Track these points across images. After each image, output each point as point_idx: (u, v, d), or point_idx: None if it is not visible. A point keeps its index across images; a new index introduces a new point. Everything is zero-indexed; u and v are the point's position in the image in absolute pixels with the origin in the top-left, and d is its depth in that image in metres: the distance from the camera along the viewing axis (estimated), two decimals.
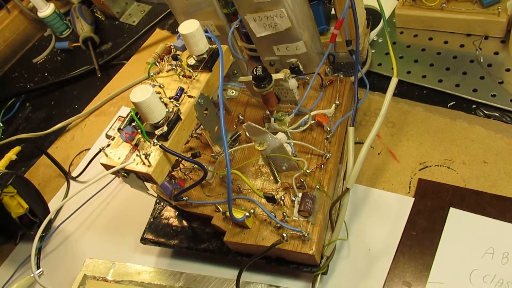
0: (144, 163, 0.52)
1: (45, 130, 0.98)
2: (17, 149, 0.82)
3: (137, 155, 0.53)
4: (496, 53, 0.71)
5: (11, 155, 0.81)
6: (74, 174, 0.88)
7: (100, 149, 0.56)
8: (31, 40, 1.23)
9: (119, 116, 0.93)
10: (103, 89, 1.01)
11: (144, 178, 0.54)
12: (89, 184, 0.57)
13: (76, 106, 1.01)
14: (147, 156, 0.52)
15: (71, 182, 0.87)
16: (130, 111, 0.56)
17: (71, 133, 0.96)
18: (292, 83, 0.62)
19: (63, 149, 0.94)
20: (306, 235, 0.54)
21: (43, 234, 0.79)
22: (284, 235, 0.55)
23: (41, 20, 1.16)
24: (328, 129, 0.62)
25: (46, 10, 1.14)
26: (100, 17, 1.18)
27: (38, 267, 0.77)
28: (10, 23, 1.18)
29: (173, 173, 0.65)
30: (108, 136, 0.91)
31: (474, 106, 0.68)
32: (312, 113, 0.63)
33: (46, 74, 1.13)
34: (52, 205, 0.83)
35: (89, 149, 0.91)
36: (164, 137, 0.53)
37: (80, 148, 0.92)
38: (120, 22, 1.15)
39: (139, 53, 1.05)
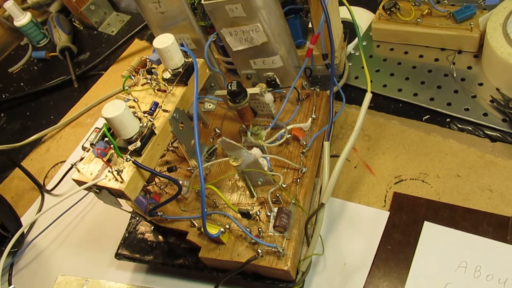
0: (116, 179, 0.52)
1: (19, 141, 0.96)
2: None
3: (109, 171, 0.52)
4: (469, 68, 0.72)
5: None
6: (49, 187, 0.86)
7: (72, 164, 0.55)
8: (7, 49, 1.20)
9: (96, 128, 0.90)
10: (80, 100, 1.00)
11: (116, 194, 0.53)
12: (62, 199, 0.57)
13: (52, 117, 1.00)
14: (119, 172, 0.51)
15: (46, 195, 0.85)
16: (103, 126, 0.55)
17: (47, 145, 0.95)
18: (268, 97, 0.62)
19: (38, 161, 0.92)
20: (281, 250, 0.54)
21: (15, 249, 0.77)
22: (259, 251, 0.54)
23: (17, 29, 1.14)
24: (304, 143, 0.62)
25: (22, 19, 1.12)
26: (78, 26, 1.17)
27: (9, 284, 0.75)
28: None
29: (148, 187, 0.64)
30: (84, 148, 0.89)
31: (448, 119, 0.69)
32: (288, 127, 0.63)
33: (22, 84, 1.11)
34: (25, 220, 0.81)
35: (64, 161, 0.89)
36: (137, 152, 0.53)
37: (55, 160, 0.91)
38: (98, 32, 1.14)
39: (118, 63, 1.04)
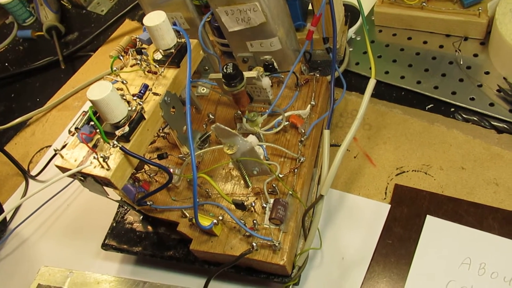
0: (102, 166, 0.48)
1: (3, 124, 0.91)
2: None
3: (94, 157, 0.48)
4: (476, 55, 0.69)
5: None
6: (33, 172, 0.82)
7: (54, 150, 0.51)
8: None
9: (84, 111, 0.87)
10: (67, 81, 0.95)
11: (103, 182, 0.50)
12: (46, 185, 0.53)
13: (38, 100, 0.95)
14: (105, 159, 0.48)
15: (30, 181, 0.82)
16: (89, 109, 0.51)
17: (32, 129, 0.90)
18: (266, 81, 0.59)
19: (23, 145, 0.88)
20: (277, 244, 0.51)
21: None
22: (254, 244, 0.51)
23: (2, 7, 1.09)
24: (303, 131, 0.59)
25: None
26: (66, 5, 1.12)
27: None
28: None
29: (137, 175, 0.60)
30: (70, 132, 0.85)
31: (452, 109, 0.66)
32: (286, 114, 0.60)
33: (6, 64, 1.06)
34: (8, 206, 0.78)
35: (50, 146, 0.86)
36: (125, 138, 0.49)
37: (41, 145, 0.87)
38: (87, 11, 1.09)
39: (107, 44, 0.99)
